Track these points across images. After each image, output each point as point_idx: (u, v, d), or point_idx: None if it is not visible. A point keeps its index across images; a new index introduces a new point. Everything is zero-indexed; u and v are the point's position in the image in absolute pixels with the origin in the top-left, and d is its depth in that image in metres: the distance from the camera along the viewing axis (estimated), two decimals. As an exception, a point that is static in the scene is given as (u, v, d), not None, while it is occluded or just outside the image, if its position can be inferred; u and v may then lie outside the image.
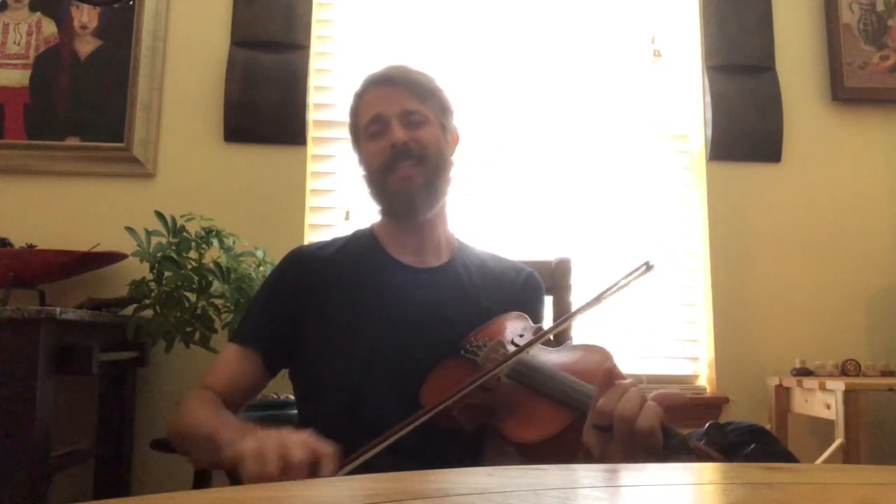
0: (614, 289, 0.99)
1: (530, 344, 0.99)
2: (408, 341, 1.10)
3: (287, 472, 0.76)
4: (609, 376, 0.83)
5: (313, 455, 0.79)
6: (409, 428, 0.84)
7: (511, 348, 1.01)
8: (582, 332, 1.82)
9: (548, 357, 1.02)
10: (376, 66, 1.25)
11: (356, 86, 1.24)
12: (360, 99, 1.22)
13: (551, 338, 1.12)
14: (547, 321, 1.33)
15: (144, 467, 1.91)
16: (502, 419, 0.95)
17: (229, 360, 1.15)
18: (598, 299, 0.98)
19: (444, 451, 0.97)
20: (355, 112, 1.23)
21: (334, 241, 1.26)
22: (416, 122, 1.16)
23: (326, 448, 0.80)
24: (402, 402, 1.03)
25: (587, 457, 0.82)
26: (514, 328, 1.10)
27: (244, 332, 1.18)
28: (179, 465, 1.73)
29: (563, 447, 0.88)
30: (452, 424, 0.97)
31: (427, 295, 1.16)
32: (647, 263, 1.00)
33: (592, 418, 0.83)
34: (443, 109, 1.22)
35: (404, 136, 1.14)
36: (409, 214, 1.18)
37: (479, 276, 1.24)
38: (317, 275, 1.17)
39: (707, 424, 0.80)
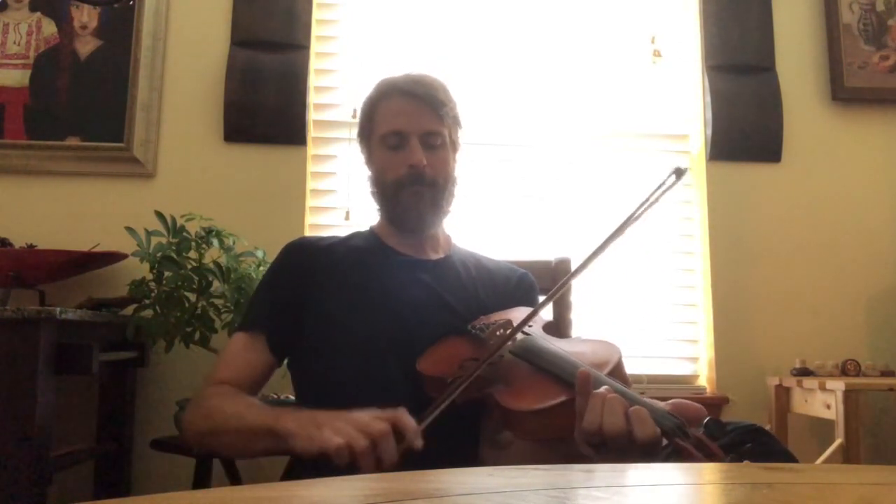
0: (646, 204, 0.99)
1: (543, 304, 0.99)
2: (409, 326, 1.12)
3: (377, 446, 0.83)
4: (584, 382, 0.83)
5: (391, 421, 0.85)
6: (459, 390, 0.89)
7: (520, 333, 1.01)
8: (583, 329, 1.82)
9: (556, 343, 1.02)
10: (386, 65, 1.26)
11: (374, 85, 1.26)
12: (381, 104, 1.23)
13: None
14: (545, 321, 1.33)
15: (144, 467, 1.91)
16: (497, 389, 0.95)
17: (237, 349, 1.15)
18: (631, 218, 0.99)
19: (444, 433, 0.96)
20: (371, 115, 1.24)
21: (333, 236, 1.30)
22: (434, 144, 1.20)
23: (396, 411, 0.87)
24: (404, 385, 1.04)
25: (583, 458, 0.82)
26: (524, 317, 1.11)
27: (248, 319, 1.19)
28: (179, 465, 1.73)
29: (556, 425, 0.87)
30: (444, 392, 0.96)
31: (427, 283, 1.19)
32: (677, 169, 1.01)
33: (582, 436, 0.82)
34: (454, 122, 1.25)
35: (423, 159, 1.18)
36: (417, 229, 1.23)
37: (476, 272, 1.27)
38: (317, 262, 1.19)
39: (706, 419, 0.79)
